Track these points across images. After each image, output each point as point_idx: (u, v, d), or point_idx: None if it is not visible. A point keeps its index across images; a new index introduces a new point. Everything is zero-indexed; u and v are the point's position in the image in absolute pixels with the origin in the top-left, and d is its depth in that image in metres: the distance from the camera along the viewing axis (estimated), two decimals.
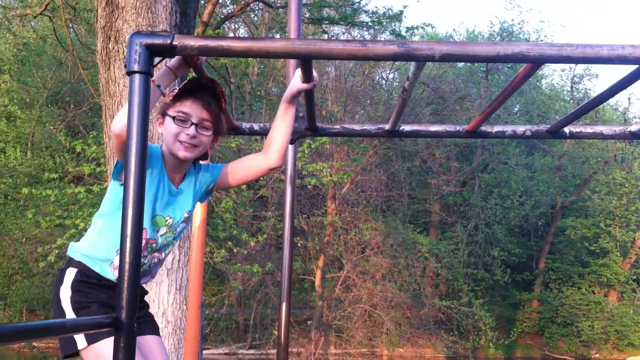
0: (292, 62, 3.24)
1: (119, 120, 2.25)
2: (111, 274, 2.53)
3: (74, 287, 2.51)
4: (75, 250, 2.58)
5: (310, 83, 2.50)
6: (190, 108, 2.52)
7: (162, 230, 2.59)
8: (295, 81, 2.55)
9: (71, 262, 2.56)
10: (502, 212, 26.13)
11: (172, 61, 2.34)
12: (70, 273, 2.54)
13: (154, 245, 2.60)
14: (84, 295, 2.51)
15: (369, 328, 21.58)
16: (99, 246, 2.54)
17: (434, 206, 27.41)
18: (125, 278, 1.71)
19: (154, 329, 2.77)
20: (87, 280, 2.52)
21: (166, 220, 2.59)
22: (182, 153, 2.51)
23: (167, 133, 2.53)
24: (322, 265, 21.14)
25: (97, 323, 1.80)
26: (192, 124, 2.51)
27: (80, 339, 2.46)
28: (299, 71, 2.51)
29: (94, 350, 2.45)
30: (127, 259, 1.71)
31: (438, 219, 27.38)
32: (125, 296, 1.71)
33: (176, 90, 2.53)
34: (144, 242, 2.54)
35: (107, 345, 2.41)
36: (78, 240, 2.69)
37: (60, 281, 2.54)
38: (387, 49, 1.81)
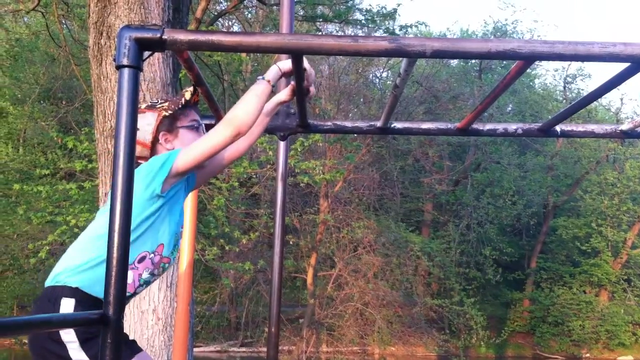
0: (284, 59, 3.22)
1: (240, 112, 2.30)
2: None
3: None
4: (73, 274, 2.30)
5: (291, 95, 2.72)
6: (196, 115, 2.63)
7: (175, 249, 2.55)
8: (282, 94, 2.72)
9: (63, 291, 2.28)
10: (494, 211, 26.18)
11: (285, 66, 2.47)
12: (67, 305, 2.27)
13: (166, 265, 2.50)
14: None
15: (360, 326, 21.59)
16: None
17: (427, 205, 27.44)
18: (113, 274, 1.70)
19: None
20: (89, 309, 2.27)
21: (181, 229, 2.60)
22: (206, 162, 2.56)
23: (186, 141, 2.55)
24: (314, 263, 21.14)
25: (84, 319, 1.78)
26: (202, 128, 2.63)
27: None
28: (290, 87, 2.68)
29: None
30: (115, 255, 1.70)
31: (430, 217, 27.41)
32: (113, 292, 1.69)
33: (179, 103, 2.58)
34: (157, 258, 2.44)
35: None
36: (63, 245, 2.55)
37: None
38: (379, 44, 1.80)
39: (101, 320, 1.69)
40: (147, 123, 2.54)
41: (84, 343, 2.25)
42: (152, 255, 2.43)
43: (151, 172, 2.34)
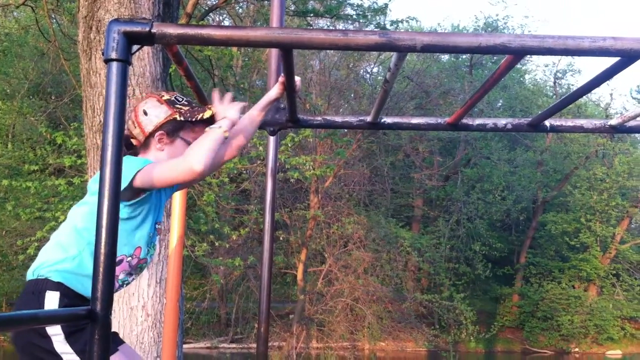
0: (274, 54, 3.21)
1: (203, 157, 2.29)
2: None
3: None
4: (54, 270, 2.31)
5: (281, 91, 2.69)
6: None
7: (154, 241, 2.54)
8: (272, 91, 2.69)
9: (47, 284, 2.30)
10: (484, 206, 26.27)
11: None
12: (52, 297, 2.28)
13: (144, 265, 2.52)
14: None
15: (350, 322, 21.63)
16: (85, 264, 2.31)
17: (417, 200, 27.50)
18: (100, 269, 1.68)
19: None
20: (73, 302, 2.28)
21: (159, 226, 2.58)
22: None
23: (176, 154, 2.52)
24: (304, 259, 21.15)
25: (72, 315, 1.77)
26: None
27: None
28: (279, 82, 2.63)
29: None
30: (102, 250, 1.68)
31: (420, 213, 27.47)
32: (100, 288, 1.68)
33: (195, 115, 2.56)
34: (135, 260, 2.46)
35: None
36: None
37: (40, 307, 2.28)
38: (369, 38, 1.79)
39: (89, 316, 1.68)
40: (156, 115, 2.52)
41: (69, 336, 2.26)
42: (129, 258, 2.44)
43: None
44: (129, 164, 2.33)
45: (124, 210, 2.34)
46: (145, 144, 2.54)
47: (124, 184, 2.26)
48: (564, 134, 25.81)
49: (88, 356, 1.69)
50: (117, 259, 2.37)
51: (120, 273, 2.43)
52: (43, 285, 2.30)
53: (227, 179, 13.54)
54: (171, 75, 10.38)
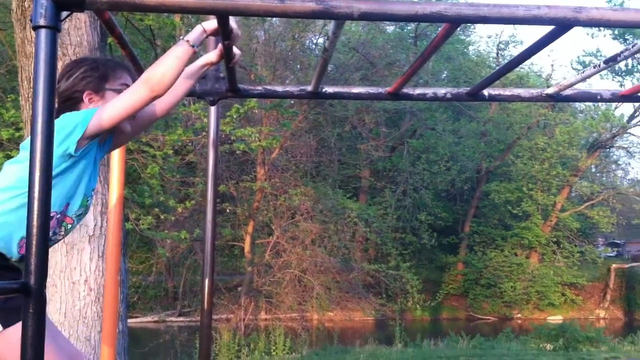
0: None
1: (164, 74, 2.20)
2: (16, 253, 2.25)
3: None
4: None
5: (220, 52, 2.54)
6: (127, 79, 2.51)
7: (81, 210, 2.42)
8: (211, 55, 2.56)
9: None
10: (429, 177, 26.63)
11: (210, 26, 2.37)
12: None
13: (69, 226, 2.39)
14: None
15: (298, 293, 21.77)
16: (10, 223, 2.22)
17: (364, 171, 27.70)
18: (34, 242, 1.64)
19: None
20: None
21: (92, 192, 2.46)
22: (128, 125, 2.47)
23: None
24: (251, 231, 21.13)
25: (3, 288, 1.73)
26: None
27: None
28: (219, 49, 2.51)
29: (7, 335, 2.16)
30: (35, 222, 1.64)
31: (367, 184, 27.70)
32: (34, 261, 1.64)
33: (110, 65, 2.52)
34: (62, 218, 2.35)
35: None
36: None
37: None
38: (306, 6, 1.77)
39: (23, 289, 1.64)
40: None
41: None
42: (59, 215, 2.33)
43: (65, 129, 2.22)
44: (77, 115, 2.27)
45: (64, 164, 2.27)
46: (74, 107, 2.43)
47: (78, 134, 2.23)
48: (507, 104, 26.27)
49: (22, 331, 1.65)
50: None
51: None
52: None
53: (172, 151, 13.35)
54: (111, 45, 10.14)
